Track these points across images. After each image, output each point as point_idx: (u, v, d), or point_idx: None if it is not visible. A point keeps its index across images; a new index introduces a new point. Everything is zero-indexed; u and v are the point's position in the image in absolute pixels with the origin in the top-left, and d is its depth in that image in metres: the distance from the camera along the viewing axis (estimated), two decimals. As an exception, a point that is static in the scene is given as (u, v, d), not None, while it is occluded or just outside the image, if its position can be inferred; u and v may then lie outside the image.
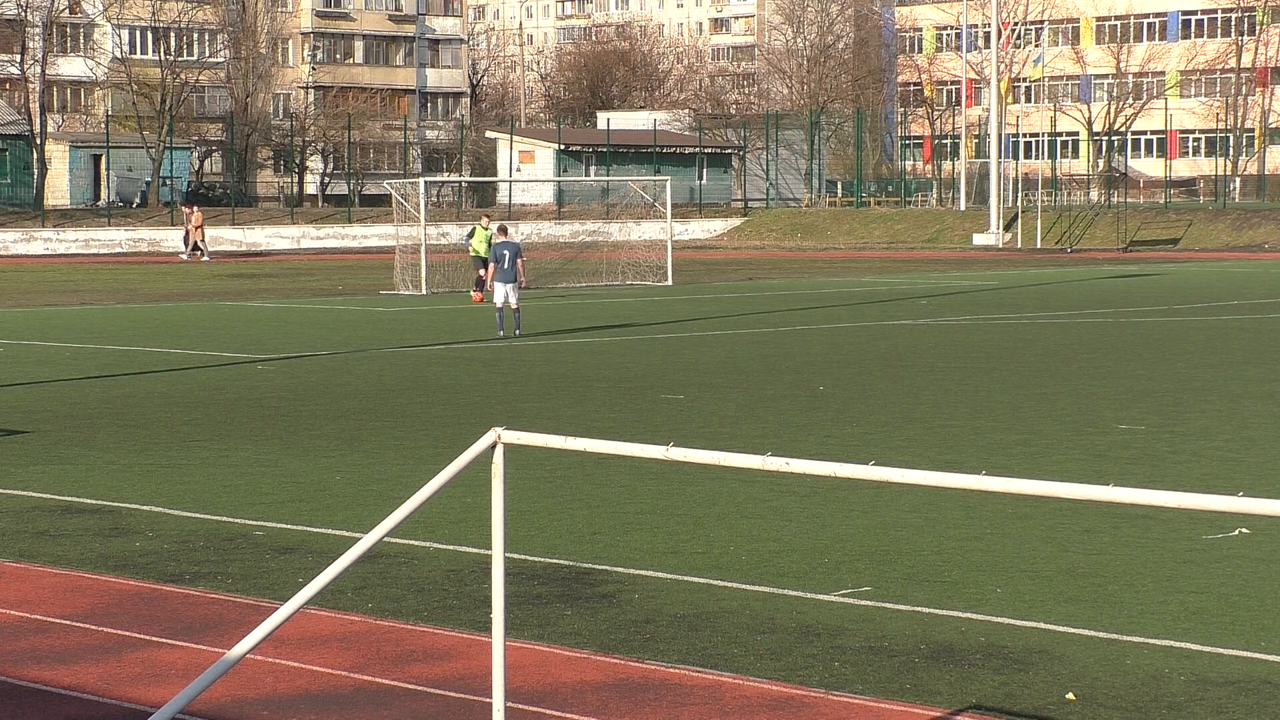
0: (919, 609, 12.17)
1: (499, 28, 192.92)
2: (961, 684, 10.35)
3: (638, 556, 14.00)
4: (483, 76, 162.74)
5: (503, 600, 8.68)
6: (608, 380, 27.71)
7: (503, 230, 38.82)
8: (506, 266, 36.13)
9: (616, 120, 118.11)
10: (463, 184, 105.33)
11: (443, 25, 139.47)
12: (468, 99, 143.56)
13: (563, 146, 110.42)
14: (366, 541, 8.41)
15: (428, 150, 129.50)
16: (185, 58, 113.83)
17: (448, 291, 52.56)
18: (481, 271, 48.31)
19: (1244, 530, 14.64)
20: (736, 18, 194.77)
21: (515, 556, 13.36)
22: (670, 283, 56.77)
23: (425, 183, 58.73)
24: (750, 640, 11.37)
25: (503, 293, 36.06)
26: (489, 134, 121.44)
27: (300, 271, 67.70)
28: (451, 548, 14.33)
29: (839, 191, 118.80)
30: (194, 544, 14.56)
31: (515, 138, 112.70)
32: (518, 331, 35.97)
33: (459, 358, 31.94)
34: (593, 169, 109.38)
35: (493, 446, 8.36)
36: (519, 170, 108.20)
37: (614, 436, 19.73)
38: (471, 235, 49.01)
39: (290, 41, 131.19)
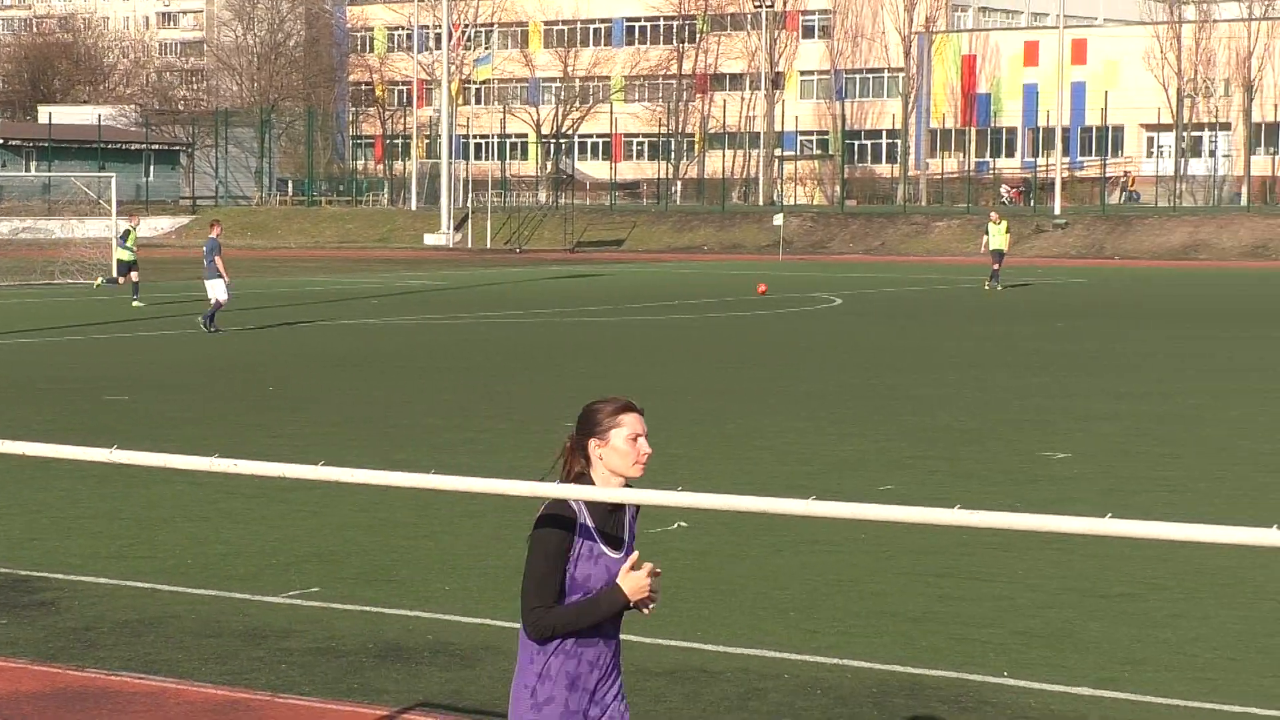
0: (367, 608, 12.16)
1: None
2: (409, 682, 10.38)
3: (79, 562, 13.64)
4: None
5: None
6: (48, 381, 26.89)
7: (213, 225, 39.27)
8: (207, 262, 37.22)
9: (59, 114, 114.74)
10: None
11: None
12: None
13: (1, 141, 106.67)
14: None
15: None
16: None
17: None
18: (123, 278, 46.52)
19: (683, 524, 15.07)
20: (185, 12, 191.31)
21: (-52, 565, 12.85)
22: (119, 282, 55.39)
23: None
24: (195, 645, 11.19)
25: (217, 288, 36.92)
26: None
27: None
28: (-121, 558, 13.69)
29: (290, 190, 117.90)
30: None
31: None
32: (210, 327, 36.45)
33: (-111, 359, 30.55)
34: (33, 164, 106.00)
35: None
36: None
37: (55, 439, 19.15)
38: (125, 238, 47.27)
39: None
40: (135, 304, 45.45)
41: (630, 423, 6.41)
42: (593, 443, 6.41)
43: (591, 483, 6.39)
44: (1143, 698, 10.15)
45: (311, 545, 14.33)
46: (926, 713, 9.86)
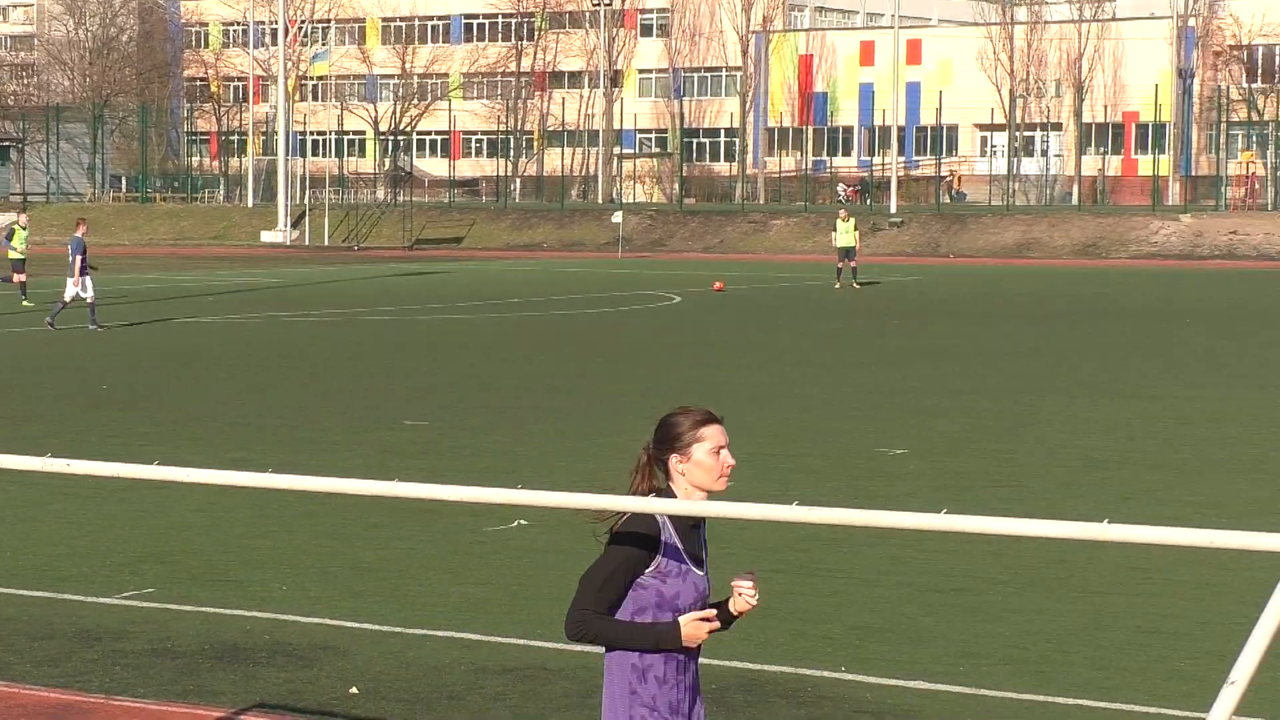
0: (204, 609, 12.05)
1: None
2: (246, 683, 10.30)
3: (-92, 565, 13.40)
4: None
5: None
6: (-124, 381, 26.40)
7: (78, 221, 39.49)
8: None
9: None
10: None
11: None
12: None
13: None
14: None
15: None
16: None
17: None
18: (16, 276, 45.21)
19: (523, 522, 15.07)
20: (15, 6, 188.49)
21: None
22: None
23: None
24: (27, 647, 11.04)
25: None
26: None
27: None
28: None
29: (124, 187, 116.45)
30: None
31: None
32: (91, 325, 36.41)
33: None
34: None
35: None
36: None
37: (-118, 440, 18.81)
38: (10, 236, 45.99)
39: None
40: (12, 291, 45.57)
41: (712, 435, 6.15)
42: (674, 459, 6.16)
43: (672, 497, 6.16)
44: (977, 691, 10.28)
45: (147, 545, 14.18)
46: (765, 708, 9.93)
